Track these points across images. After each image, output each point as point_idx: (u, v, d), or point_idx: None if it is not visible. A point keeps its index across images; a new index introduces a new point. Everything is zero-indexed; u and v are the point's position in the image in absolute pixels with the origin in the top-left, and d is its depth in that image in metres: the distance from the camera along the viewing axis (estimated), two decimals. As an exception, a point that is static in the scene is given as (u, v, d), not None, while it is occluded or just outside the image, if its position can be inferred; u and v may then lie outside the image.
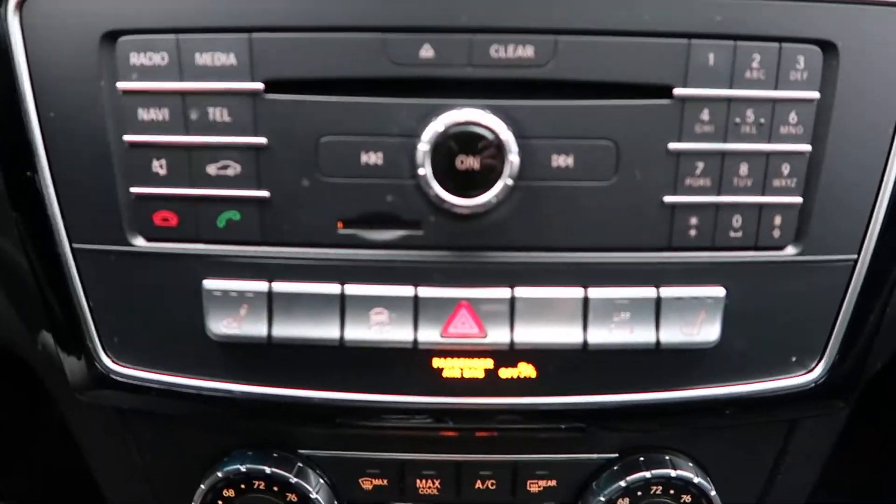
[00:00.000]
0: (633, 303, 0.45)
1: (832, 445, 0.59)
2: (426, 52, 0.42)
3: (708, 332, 0.45)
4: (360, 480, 0.54)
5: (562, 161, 0.43)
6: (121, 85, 0.42)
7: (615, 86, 0.42)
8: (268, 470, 0.51)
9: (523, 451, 0.53)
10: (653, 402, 0.48)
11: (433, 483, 0.54)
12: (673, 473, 0.52)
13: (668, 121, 0.42)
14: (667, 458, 0.53)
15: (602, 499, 0.52)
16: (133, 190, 0.44)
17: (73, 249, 0.45)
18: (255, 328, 0.45)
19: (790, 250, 0.46)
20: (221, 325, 0.45)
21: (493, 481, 0.54)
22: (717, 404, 0.48)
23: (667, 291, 0.45)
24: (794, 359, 0.48)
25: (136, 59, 0.42)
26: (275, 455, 0.52)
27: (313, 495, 0.51)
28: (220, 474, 0.51)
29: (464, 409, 0.47)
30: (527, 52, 0.41)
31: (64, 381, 0.50)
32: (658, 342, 0.45)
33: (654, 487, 0.53)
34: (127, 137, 0.43)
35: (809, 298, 0.47)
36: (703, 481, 0.53)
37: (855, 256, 0.46)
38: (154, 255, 0.45)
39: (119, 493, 0.59)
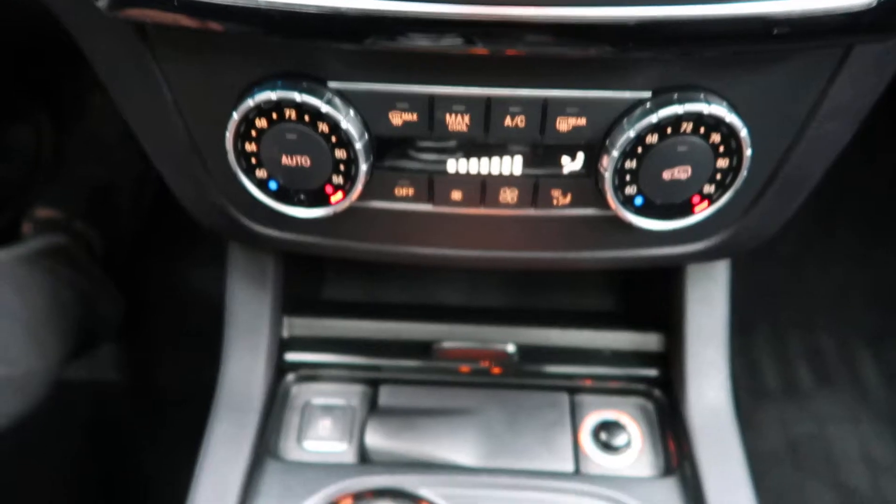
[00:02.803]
0: None
1: (870, 105, 0.57)
2: None
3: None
4: (389, 114, 0.54)
5: None
6: None
7: None
8: (298, 98, 0.51)
9: (554, 86, 0.52)
10: (696, 18, 0.45)
11: (462, 119, 0.54)
12: (706, 110, 0.51)
13: None
14: (701, 95, 0.52)
15: (631, 134, 0.52)
16: None
17: None
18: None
19: None
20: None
21: (523, 118, 0.53)
22: (767, 24, 0.45)
23: None
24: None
25: None
26: (305, 84, 0.52)
27: (344, 125, 0.52)
28: (251, 102, 0.52)
29: (494, 21, 0.45)
30: None
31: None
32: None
33: (685, 125, 0.52)
34: None
35: None
36: (735, 120, 0.52)
37: None
38: None
39: (154, 136, 0.61)
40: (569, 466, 0.75)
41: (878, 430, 1.45)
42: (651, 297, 0.89)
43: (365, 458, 0.76)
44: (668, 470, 0.74)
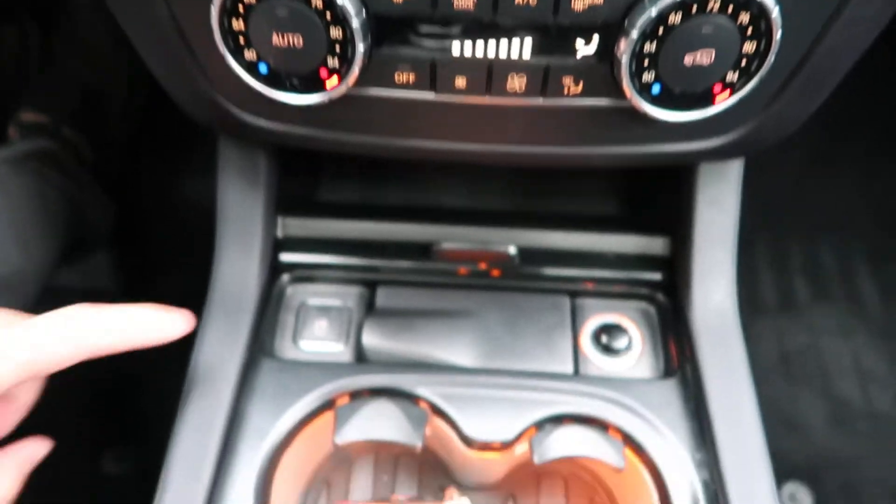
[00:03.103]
0: None
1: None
2: None
3: None
4: None
5: None
6: None
7: None
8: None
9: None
10: None
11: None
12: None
13: None
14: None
15: (653, 13, 0.48)
16: None
17: None
18: None
19: None
20: None
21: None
22: None
23: None
24: None
25: None
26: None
27: (339, 0, 0.48)
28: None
29: None
30: None
31: None
32: None
33: (712, 2, 0.48)
34: None
35: None
36: (766, -2, 0.48)
37: None
38: None
39: (137, 22, 0.57)
40: (568, 368, 0.74)
41: (872, 344, 1.46)
42: (657, 202, 0.86)
43: (362, 359, 0.75)
44: (668, 372, 0.73)
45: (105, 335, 0.56)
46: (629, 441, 0.68)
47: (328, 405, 0.70)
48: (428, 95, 0.56)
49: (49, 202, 1.01)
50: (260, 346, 0.74)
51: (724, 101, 0.54)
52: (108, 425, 1.32)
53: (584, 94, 0.55)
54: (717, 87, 0.53)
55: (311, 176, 0.92)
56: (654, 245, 0.80)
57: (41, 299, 1.03)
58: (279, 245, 0.81)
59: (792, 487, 1.32)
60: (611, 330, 0.75)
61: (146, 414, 1.26)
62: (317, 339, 0.77)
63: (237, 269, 0.75)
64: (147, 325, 0.58)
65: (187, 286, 0.86)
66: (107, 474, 1.28)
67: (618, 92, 0.53)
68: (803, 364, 1.44)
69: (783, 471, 1.34)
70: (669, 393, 0.70)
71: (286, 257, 0.80)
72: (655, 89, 0.53)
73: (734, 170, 0.73)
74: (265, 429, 0.66)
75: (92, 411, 1.29)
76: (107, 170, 1.26)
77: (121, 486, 1.27)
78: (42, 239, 0.97)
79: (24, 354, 0.53)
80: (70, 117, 1.23)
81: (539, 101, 0.56)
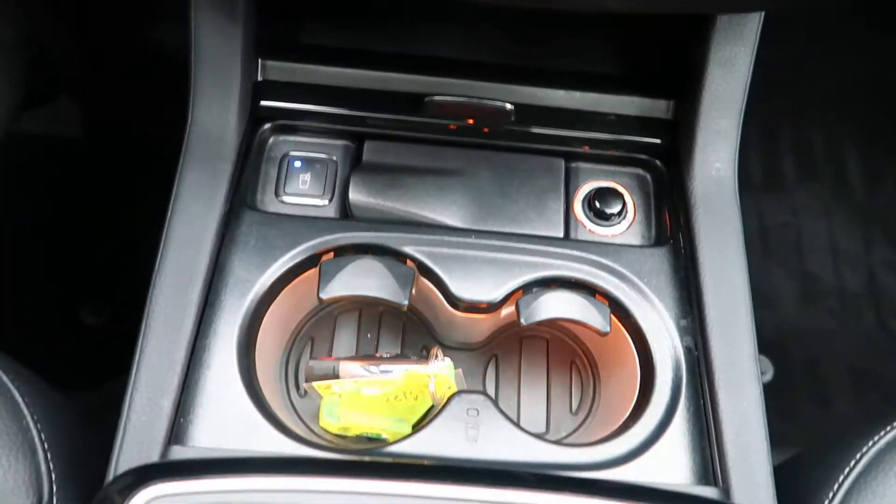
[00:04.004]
0: None
1: None
2: None
3: None
4: None
5: None
6: None
7: None
8: None
9: None
10: None
11: None
12: None
13: None
14: None
15: None
16: None
17: None
18: None
19: None
20: None
21: None
22: None
23: None
24: None
25: None
26: None
27: None
28: None
29: None
30: None
31: None
32: None
33: None
34: None
35: None
36: None
37: None
38: None
39: None
40: (559, 233, 0.72)
41: (850, 225, 1.48)
42: (662, 63, 0.81)
43: (347, 215, 0.72)
44: (660, 240, 0.72)
45: None
46: (616, 306, 0.68)
47: (313, 261, 0.68)
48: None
49: (6, 41, 0.93)
50: (241, 198, 0.70)
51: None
52: (84, 279, 1.30)
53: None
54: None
55: (294, 18, 0.84)
56: (657, 107, 0.77)
57: (3, 145, 0.98)
58: (259, 90, 0.75)
59: (755, 359, 1.38)
60: (605, 195, 0.73)
61: (123, 267, 1.24)
62: (300, 195, 0.73)
63: (214, 114, 0.70)
64: None
65: (160, 135, 0.81)
66: (86, 326, 1.28)
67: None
68: (780, 241, 1.46)
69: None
70: (660, 260, 0.69)
71: (267, 103, 0.75)
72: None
73: (751, 29, 0.68)
74: (249, 280, 0.65)
75: (67, 266, 1.27)
76: (66, 10, 1.17)
77: (99, 338, 1.28)
78: (1, 80, 0.90)
79: None
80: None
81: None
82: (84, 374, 0.96)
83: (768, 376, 1.31)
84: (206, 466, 0.51)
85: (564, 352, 0.78)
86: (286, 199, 0.73)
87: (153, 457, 0.54)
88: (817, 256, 1.45)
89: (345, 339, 0.78)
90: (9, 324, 0.77)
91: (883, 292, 1.41)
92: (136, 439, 0.55)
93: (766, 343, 1.37)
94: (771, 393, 0.67)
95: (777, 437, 0.62)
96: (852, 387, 1.35)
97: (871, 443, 0.64)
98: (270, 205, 0.73)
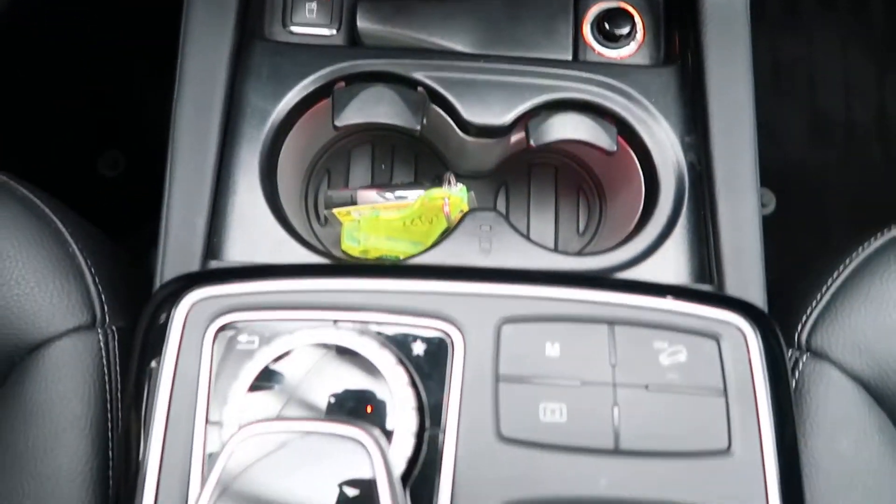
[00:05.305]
0: None
1: None
2: None
3: None
4: None
5: None
6: None
7: None
8: None
9: None
10: None
11: None
12: None
13: None
14: None
15: None
16: None
17: None
18: None
19: None
20: None
21: None
22: None
23: None
24: None
25: None
26: None
27: None
28: None
29: None
30: None
31: None
32: None
33: None
34: None
35: None
36: None
37: None
38: None
39: None
40: (568, 56, 0.73)
41: (865, 58, 1.44)
42: None
43: (356, 43, 0.72)
44: (668, 60, 0.73)
45: None
46: (623, 127, 0.70)
47: (325, 90, 0.69)
48: None
49: None
50: (250, 29, 0.70)
51: None
52: (101, 130, 1.31)
53: None
54: None
55: None
56: None
57: None
58: None
59: (758, 191, 1.40)
60: (614, 16, 0.73)
61: (138, 119, 1.25)
62: (307, 24, 0.73)
63: (217, -59, 0.69)
64: None
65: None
66: (103, 177, 1.31)
67: None
68: (792, 75, 1.43)
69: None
70: (667, 79, 0.69)
71: None
72: None
73: None
74: (266, 109, 0.66)
75: (83, 118, 1.28)
76: None
77: (117, 189, 1.31)
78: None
79: None
80: None
81: None
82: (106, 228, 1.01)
83: (770, 208, 1.34)
84: (244, 273, 0.56)
85: (572, 178, 0.81)
86: (294, 28, 0.73)
87: (194, 269, 0.59)
88: (829, 91, 1.43)
89: (360, 171, 0.81)
90: (32, 179, 0.79)
91: (892, 124, 1.41)
92: (177, 255, 0.60)
93: (769, 175, 1.39)
94: (772, 226, 0.69)
95: (774, 268, 0.65)
96: (852, 220, 1.38)
97: (860, 249, 0.68)
98: (279, 35, 0.73)
